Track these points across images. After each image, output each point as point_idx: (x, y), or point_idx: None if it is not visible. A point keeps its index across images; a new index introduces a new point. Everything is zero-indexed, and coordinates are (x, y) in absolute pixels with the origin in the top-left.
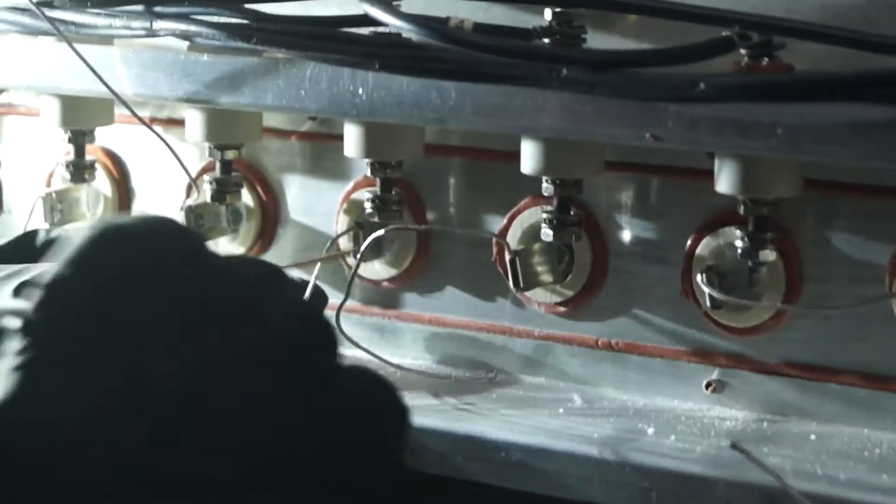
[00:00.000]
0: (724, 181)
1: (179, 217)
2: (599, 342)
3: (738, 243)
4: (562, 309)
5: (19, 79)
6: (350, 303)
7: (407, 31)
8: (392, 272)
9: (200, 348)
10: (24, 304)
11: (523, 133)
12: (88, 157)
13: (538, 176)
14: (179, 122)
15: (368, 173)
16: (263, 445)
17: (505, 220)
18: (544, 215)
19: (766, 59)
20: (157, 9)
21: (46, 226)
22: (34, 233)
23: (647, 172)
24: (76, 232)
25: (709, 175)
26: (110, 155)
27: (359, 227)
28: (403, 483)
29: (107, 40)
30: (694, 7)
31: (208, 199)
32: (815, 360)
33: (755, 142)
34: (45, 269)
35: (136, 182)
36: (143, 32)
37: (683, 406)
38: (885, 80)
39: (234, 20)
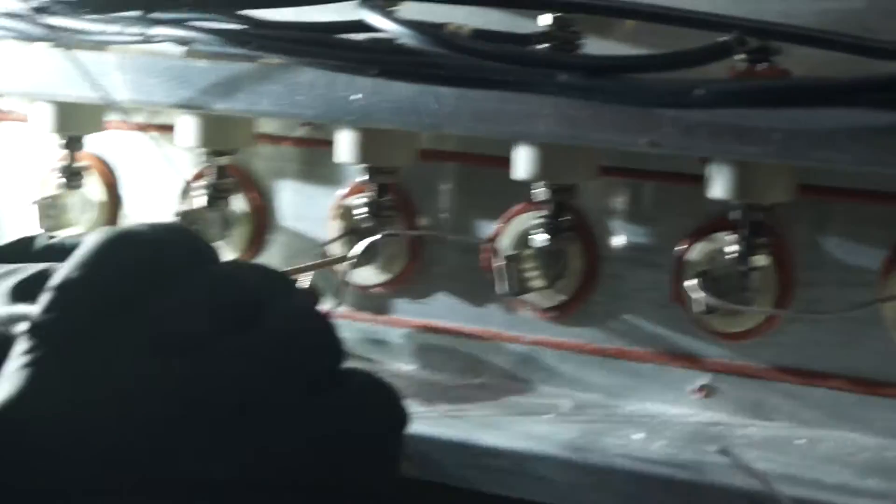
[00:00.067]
0: (719, 186)
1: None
2: (589, 347)
3: (732, 248)
4: (552, 314)
5: (13, 85)
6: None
7: (404, 37)
8: (383, 277)
9: (205, 350)
10: (33, 308)
11: (520, 139)
12: (81, 163)
13: (532, 181)
14: (173, 129)
15: (362, 179)
16: (264, 446)
17: (497, 226)
18: (537, 221)
19: (763, 64)
20: (154, 15)
21: (40, 231)
22: (31, 238)
23: (640, 177)
24: (78, 238)
25: (701, 180)
26: (102, 161)
27: (351, 233)
28: (402, 487)
29: (102, 46)
30: (691, 13)
31: (201, 205)
32: (804, 364)
33: (752, 147)
34: (42, 269)
35: (127, 188)
36: (139, 38)
37: (672, 411)
38: (882, 86)
39: (230, 26)
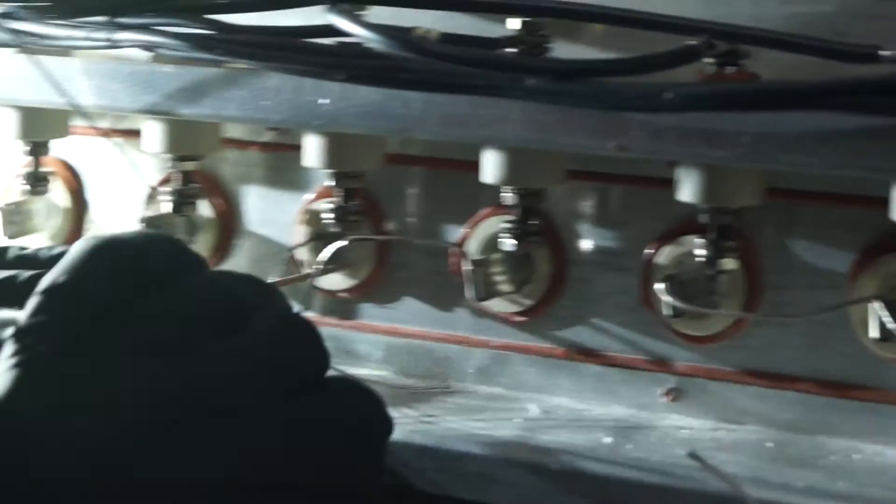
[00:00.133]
0: (688, 190)
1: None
2: (557, 352)
3: (700, 251)
4: (520, 318)
5: None
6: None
7: (372, 41)
8: (350, 282)
9: (192, 353)
10: (19, 314)
11: (488, 143)
12: (45, 169)
13: (500, 185)
14: (138, 134)
15: (329, 184)
16: (250, 449)
17: (465, 230)
18: (505, 225)
19: (731, 68)
20: (120, 20)
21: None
22: (3, 249)
23: (608, 181)
24: (52, 248)
25: (669, 184)
26: (67, 166)
27: (318, 238)
28: (384, 492)
29: (68, 52)
30: (660, 16)
31: (167, 211)
32: (773, 367)
33: (721, 151)
34: (23, 276)
35: (92, 194)
36: (105, 44)
37: (640, 415)
38: (850, 89)
39: (197, 31)
